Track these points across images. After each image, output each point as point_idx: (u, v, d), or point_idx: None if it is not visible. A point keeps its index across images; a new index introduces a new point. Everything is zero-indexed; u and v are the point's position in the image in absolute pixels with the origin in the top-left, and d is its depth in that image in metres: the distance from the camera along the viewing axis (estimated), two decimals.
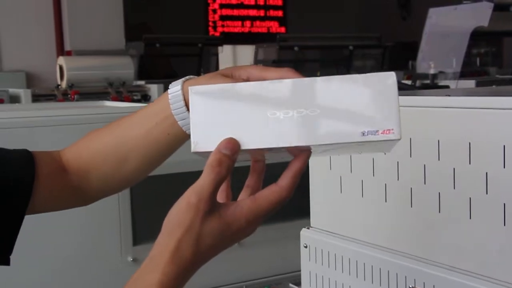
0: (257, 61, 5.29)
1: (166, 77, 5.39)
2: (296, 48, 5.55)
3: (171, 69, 6.46)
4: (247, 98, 0.61)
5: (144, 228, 1.70)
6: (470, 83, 3.63)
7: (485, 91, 1.35)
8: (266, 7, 8.53)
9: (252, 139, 0.60)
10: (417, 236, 0.93)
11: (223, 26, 8.27)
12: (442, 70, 3.55)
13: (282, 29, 8.53)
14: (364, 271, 0.99)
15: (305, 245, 1.11)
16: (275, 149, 0.61)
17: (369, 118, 0.59)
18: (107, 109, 2.11)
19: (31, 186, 0.77)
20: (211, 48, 6.28)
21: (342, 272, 1.03)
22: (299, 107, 0.60)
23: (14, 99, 4.17)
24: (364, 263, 0.99)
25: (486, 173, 0.81)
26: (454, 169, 0.85)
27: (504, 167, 0.79)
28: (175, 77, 0.77)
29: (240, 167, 0.69)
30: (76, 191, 0.82)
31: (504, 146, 0.78)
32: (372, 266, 0.97)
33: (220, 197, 0.65)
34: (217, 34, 8.09)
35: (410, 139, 0.91)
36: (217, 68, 6.21)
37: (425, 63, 3.63)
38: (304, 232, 1.12)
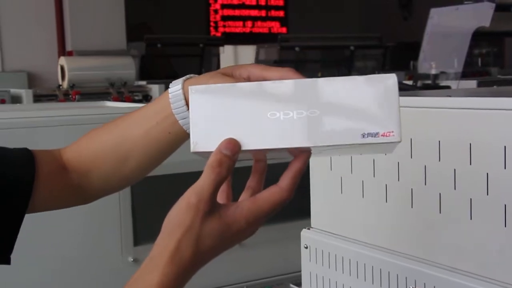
0: (258, 62, 5.29)
1: (167, 78, 5.38)
2: (297, 49, 5.55)
3: (172, 70, 6.47)
4: (248, 98, 0.61)
5: (145, 228, 1.70)
6: (472, 84, 3.63)
7: (486, 92, 1.35)
8: (268, 8, 8.53)
9: (252, 140, 0.60)
10: (418, 236, 0.93)
11: (224, 26, 8.28)
12: (443, 70, 3.54)
13: (284, 30, 8.54)
14: (365, 272, 0.98)
15: (305, 245, 1.11)
16: (275, 149, 0.61)
17: (370, 120, 0.59)
18: (108, 110, 2.11)
19: (31, 185, 0.77)
20: (213, 49, 6.29)
21: (343, 273, 1.03)
22: (299, 108, 0.59)
23: (16, 99, 4.17)
24: (364, 264, 0.98)
25: (487, 174, 0.81)
26: (454, 169, 0.85)
27: (505, 168, 0.78)
28: (176, 77, 0.77)
29: (241, 167, 0.68)
30: (76, 189, 0.82)
31: (504, 147, 0.78)
32: (372, 266, 0.97)
33: (221, 198, 0.65)
34: (219, 34, 8.10)
35: (411, 139, 0.91)
36: (218, 68, 6.20)
37: (427, 64, 3.63)
38: (304, 233, 1.12)
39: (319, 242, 1.08)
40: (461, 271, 0.85)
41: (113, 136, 0.80)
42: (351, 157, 1.02)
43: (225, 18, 8.29)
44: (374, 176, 0.98)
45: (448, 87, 3.17)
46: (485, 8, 3.28)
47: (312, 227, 1.12)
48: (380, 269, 0.95)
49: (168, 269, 0.59)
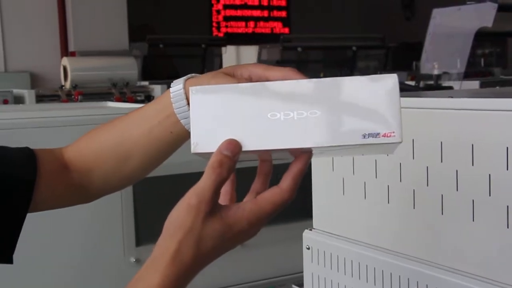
0: (260, 62, 5.29)
1: (169, 78, 5.37)
2: (299, 49, 5.55)
3: (174, 70, 6.47)
4: (248, 99, 0.61)
5: (147, 229, 1.70)
6: (474, 84, 3.62)
7: (488, 93, 1.35)
8: (270, 8, 8.53)
9: (253, 141, 0.60)
10: (420, 238, 0.93)
11: (226, 26, 8.28)
12: (446, 70, 3.54)
13: (286, 30, 8.53)
14: (367, 273, 0.98)
15: (307, 246, 1.10)
16: (276, 150, 0.60)
17: (370, 120, 0.58)
18: (110, 110, 2.12)
19: (32, 184, 0.77)
20: (215, 49, 6.29)
21: (345, 274, 1.02)
22: (300, 108, 0.59)
23: (18, 100, 4.18)
24: (366, 265, 0.98)
25: (489, 175, 0.80)
26: (457, 171, 0.85)
27: (507, 169, 0.78)
28: (179, 78, 0.77)
29: (245, 168, 0.68)
30: (78, 188, 0.82)
31: (507, 148, 0.78)
32: (374, 268, 0.97)
33: (224, 200, 0.65)
34: (221, 34, 8.10)
35: (413, 140, 0.90)
36: (220, 68, 6.20)
37: (429, 64, 3.63)
38: (306, 234, 1.11)
39: (321, 243, 1.08)
40: (463, 272, 0.84)
41: (114, 135, 0.80)
42: (353, 158, 1.01)
43: (227, 19, 8.29)
44: (376, 177, 0.97)
45: (450, 88, 3.17)
46: (488, 8, 3.28)
47: (314, 228, 1.12)
48: (382, 270, 0.95)
49: (169, 270, 0.59)
